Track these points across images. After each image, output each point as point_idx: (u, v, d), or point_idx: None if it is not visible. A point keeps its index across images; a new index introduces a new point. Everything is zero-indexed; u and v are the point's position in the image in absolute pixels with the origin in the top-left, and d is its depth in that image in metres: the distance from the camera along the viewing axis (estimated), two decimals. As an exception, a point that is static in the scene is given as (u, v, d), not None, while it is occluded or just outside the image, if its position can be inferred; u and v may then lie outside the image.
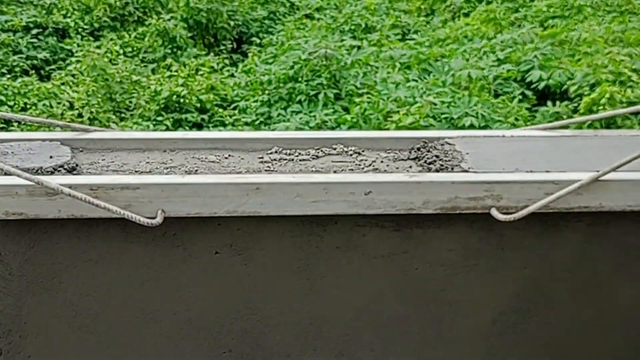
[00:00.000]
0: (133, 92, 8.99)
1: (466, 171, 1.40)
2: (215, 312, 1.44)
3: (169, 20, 10.76)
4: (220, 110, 8.92)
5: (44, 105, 8.29)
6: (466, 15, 11.62)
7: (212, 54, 10.76)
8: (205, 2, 11.05)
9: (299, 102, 8.45)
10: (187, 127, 8.50)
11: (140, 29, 10.75)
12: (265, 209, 1.31)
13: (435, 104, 7.64)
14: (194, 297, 1.42)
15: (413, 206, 1.33)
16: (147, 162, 1.45)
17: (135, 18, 11.18)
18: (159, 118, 8.55)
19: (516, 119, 7.82)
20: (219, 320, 1.45)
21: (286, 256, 1.42)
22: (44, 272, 1.37)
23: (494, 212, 1.33)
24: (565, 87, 8.52)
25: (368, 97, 8.07)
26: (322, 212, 1.33)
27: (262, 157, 1.48)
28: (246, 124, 8.42)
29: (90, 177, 1.30)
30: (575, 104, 8.16)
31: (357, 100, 8.11)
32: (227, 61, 10.53)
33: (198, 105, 8.82)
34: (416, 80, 8.66)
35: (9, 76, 9.14)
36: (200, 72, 9.60)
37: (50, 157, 1.40)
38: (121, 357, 1.44)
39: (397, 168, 1.46)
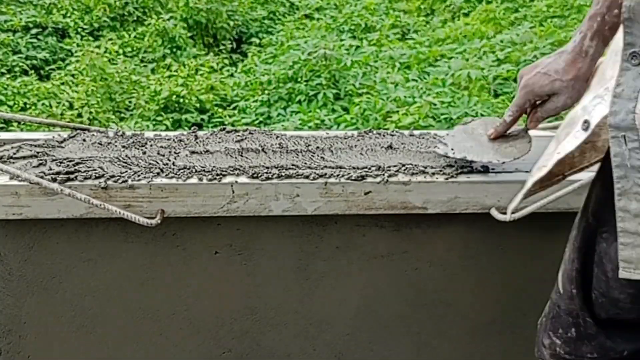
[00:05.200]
0: (133, 92, 8.99)
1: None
2: (215, 312, 1.44)
3: (168, 20, 10.76)
4: (220, 110, 8.92)
5: (43, 105, 8.29)
6: (466, 15, 11.63)
7: (211, 54, 10.76)
8: (205, 2, 11.05)
9: (299, 102, 8.45)
10: (186, 127, 8.50)
11: (139, 29, 10.75)
12: (265, 209, 1.31)
13: (434, 104, 7.64)
14: (194, 297, 1.42)
15: (413, 206, 1.33)
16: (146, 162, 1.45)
17: (135, 18, 11.18)
18: (159, 118, 8.55)
19: (516, 119, 7.81)
20: (219, 320, 1.45)
21: (286, 256, 1.42)
22: (44, 272, 1.37)
23: (494, 212, 1.33)
24: (564, 87, 8.50)
25: (367, 97, 8.07)
26: (322, 212, 1.33)
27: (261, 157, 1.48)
28: (246, 124, 8.42)
29: (91, 177, 1.30)
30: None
31: (356, 100, 8.11)
32: (226, 61, 10.53)
33: (198, 105, 8.82)
34: (416, 80, 8.66)
35: (8, 76, 9.14)
36: (200, 72, 9.60)
37: (50, 157, 1.40)
38: (121, 357, 1.44)
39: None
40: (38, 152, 1.42)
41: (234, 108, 9.01)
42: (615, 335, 1.03)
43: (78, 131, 1.56)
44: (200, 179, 1.29)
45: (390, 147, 1.49)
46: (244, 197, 1.30)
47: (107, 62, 9.37)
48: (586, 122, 0.96)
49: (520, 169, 1.40)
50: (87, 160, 1.36)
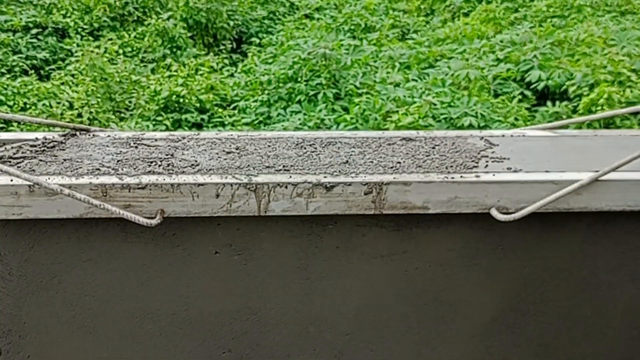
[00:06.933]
0: (133, 92, 9.00)
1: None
2: (215, 312, 1.44)
3: (168, 20, 10.76)
4: (220, 110, 8.93)
5: (43, 105, 8.30)
6: (466, 15, 11.63)
7: (211, 53, 10.76)
8: (205, 2, 11.05)
9: (299, 102, 8.46)
10: (186, 127, 8.51)
11: (139, 29, 10.75)
12: (265, 209, 1.31)
13: (434, 104, 7.65)
14: (194, 297, 1.42)
15: (413, 206, 1.33)
16: (146, 162, 1.45)
17: (135, 18, 11.18)
18: (159, 118, 8.55)
19: (516, 119, 7.83)
20: (219, 320, 1.45)
21: (286, 256, 1.42)
22: (44, 272, 1.37)
23: (494, 212, 1.33)
24: (564, 87, 8.53)
25: (367, 97, 8.07)
26: (322, 212, 1.33)
27: (261, 157, 1.48)
28: (246, 124, 8.43)
29: (90, 177, 1.30)
30: (575, 104, 8.18)
31: (356, 100, 8.11)
32: (226, 61, 10.54)
33: (198, 105, 8.82)
34: (415, 80, 8.67)
35: (8, 76, 9.14)
36: (199, 72, 9.61)
37: (50, 157, 1.40)
38: (120, 357, 1.44)
39: (397, 168, 1.46)
40: (38, 152, 1.42)
41: (234, 108, 9.02)
42: None
43: (78, 131, 1.56)
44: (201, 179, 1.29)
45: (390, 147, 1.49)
46: (244, 197, 1.30)
47: (107, 62, 9.37)
48: None
49: (518, 169, 1.40)
50: (87, 160, 1.36)
